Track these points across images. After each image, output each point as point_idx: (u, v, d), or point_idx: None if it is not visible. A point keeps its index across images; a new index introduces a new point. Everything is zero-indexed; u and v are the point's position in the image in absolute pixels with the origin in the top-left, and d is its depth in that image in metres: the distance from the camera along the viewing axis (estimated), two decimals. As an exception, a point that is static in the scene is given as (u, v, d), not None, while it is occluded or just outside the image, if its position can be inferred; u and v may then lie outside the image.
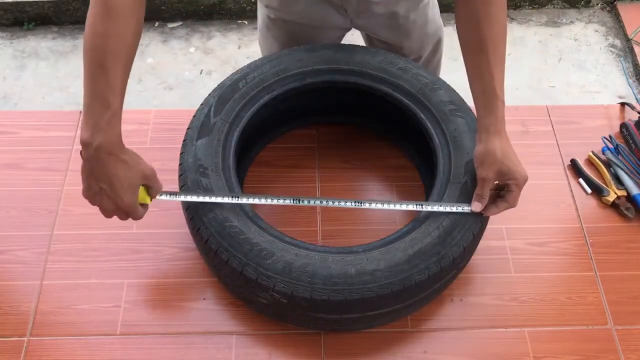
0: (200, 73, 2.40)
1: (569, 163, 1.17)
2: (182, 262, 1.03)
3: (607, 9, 2.63)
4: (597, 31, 2.57)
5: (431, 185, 0.98)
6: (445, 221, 0.89)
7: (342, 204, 0.92)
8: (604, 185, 1.12)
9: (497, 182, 0.89)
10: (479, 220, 0.91)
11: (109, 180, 0.80)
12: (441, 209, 0.90)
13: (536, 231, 1.08)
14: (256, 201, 0.90)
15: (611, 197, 1.10)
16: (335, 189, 1.12)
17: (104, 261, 1.03)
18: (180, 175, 0.95)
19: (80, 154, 0.80)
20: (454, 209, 0.89)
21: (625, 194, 1.11)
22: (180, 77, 2.38)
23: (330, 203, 0.93)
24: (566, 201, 1.12)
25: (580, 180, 1.14)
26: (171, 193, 0.90)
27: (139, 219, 0.87)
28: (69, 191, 1.11)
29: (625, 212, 1.09)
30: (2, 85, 2.34)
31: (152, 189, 0.88)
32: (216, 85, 1.03)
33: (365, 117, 1.18)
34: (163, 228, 1.07)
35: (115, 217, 0.86)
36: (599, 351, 0.95)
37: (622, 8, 2.58)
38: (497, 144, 0.86)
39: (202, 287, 1.00)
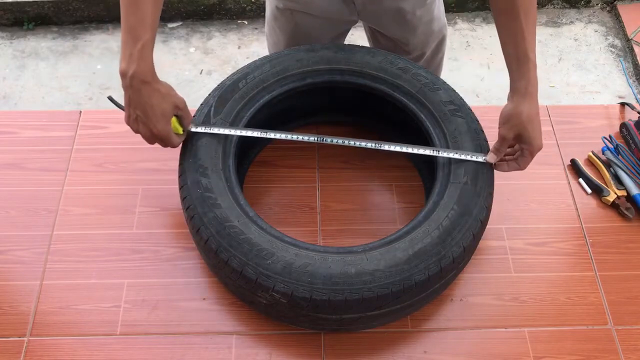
0: (200, 73, 2.39)
1: (569, 163, 1.17)
2: (182, 262, 1.03)
3: (607, 9, 2.63)
4: (597, 31, 2.57)
5: (431, 185, 0.98)
6: (445, 221, 0.89)
7: (363, 144, 0.99)
8: (604, 185, 1.12)
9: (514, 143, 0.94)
10: (479, 220, 0.91)
11: (143, 108, 0.87)
12: (456, 156, 0.95)
13: (536, 231, 1.08)
14: (283, 137, 0.99)
15: (611, 197, 1.10)
16: (335, 189, 1.12)
17: (104, 261, 1.03)
18: (180, 175, 0.95)
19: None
20: (469, 157, 0.94)
21: (625, 194, 1.11)
22: (180, 77, 2.38)
23: (352, 143, 0.99)
24: (566, 201, 1.12)
25: (580, 180, 1.14)
26: (202, 126, 0.97)
27: (174, 147, 0.94)
28: (69, 191, 1.10)
29: (625, 212, 1.09)
30: (2, 85, 2.34)
31: (184, 119, 0.94)
32: (216, 85, 1.03)
33: (366, 117, 1.18)
34: (163, 228, 1.06)
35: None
36: (599, 351, 0.95)
37: (622, 8, 2.58)
38: (525, 107, 0.90)
39: (202, 287, 1.00)
